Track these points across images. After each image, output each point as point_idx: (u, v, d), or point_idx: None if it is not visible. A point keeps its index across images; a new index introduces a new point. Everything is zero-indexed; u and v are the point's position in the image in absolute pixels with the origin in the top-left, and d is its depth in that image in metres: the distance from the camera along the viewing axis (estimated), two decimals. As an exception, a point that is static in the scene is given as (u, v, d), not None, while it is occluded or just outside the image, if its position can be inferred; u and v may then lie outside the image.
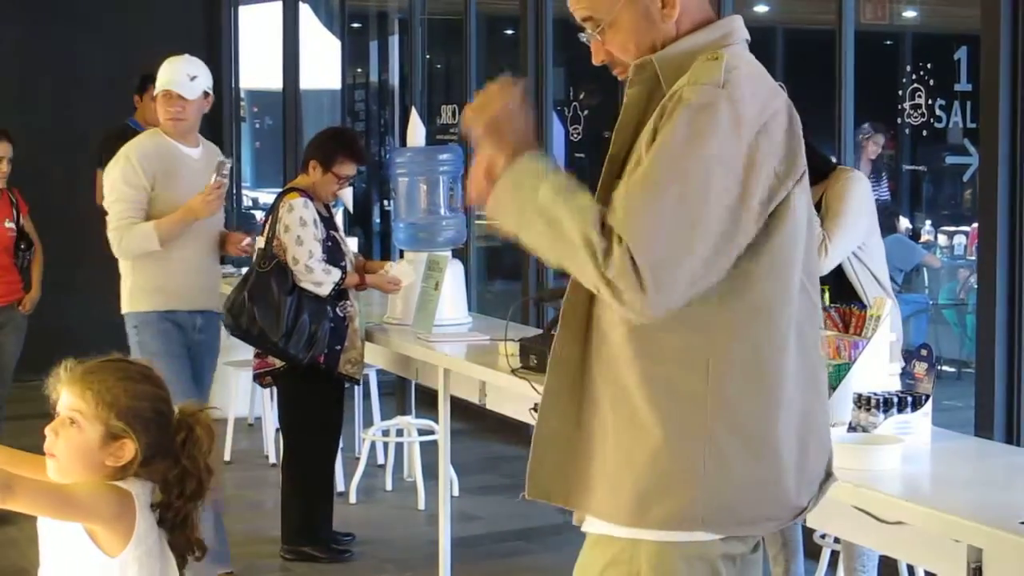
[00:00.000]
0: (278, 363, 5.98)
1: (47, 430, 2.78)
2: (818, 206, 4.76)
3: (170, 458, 2.81)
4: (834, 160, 5.24)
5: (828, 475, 2.60)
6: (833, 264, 4.67)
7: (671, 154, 2.33)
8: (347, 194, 6.40)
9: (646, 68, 2.51)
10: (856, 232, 4.71)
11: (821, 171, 4.78)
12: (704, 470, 2.40)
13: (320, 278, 5.83)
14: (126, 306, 5.63)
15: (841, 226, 4.66)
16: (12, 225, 6.94)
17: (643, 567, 2.43)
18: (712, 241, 2.33)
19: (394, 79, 11.23)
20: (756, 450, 2.43)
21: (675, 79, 2.45)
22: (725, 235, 2.34)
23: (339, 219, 6.87)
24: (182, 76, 5.62)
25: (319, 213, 5.94)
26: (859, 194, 4.73)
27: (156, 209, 5.53)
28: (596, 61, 2.60)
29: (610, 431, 2.46)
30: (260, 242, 5.92)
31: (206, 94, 5.68)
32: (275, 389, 6.42)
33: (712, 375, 2.40)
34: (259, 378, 6.19)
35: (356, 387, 7.35)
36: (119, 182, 5.53)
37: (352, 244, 6.96)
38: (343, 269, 5.95)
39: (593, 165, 7.30)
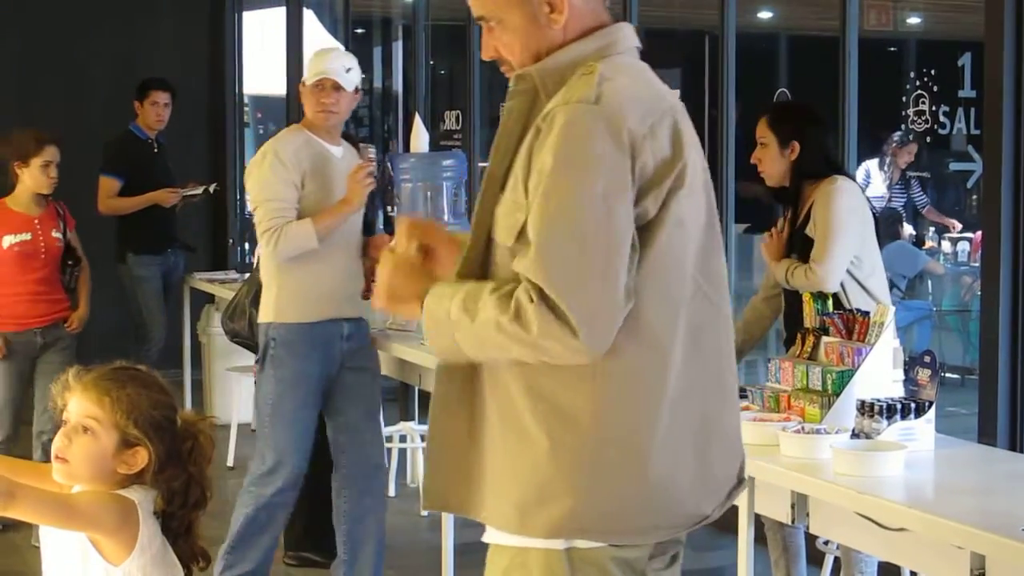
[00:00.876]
0: (280, 369, 5.96)
1: (59, 435, 2.79)
2: (808, 214, 4.74)
3: (178, 466, 2.81)
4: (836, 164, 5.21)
5: (739, 481, 2.59)
6: (832, 279, 4.57)
7: (560, 190, 2.33)
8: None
9: (526, 80, 2.48)
10: (846, 244, 4.63)
11: (816, 174, 4.76)
12: (582, 481, 2.40)
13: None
14: (270, 316, 5.20)
15: (828, 243, 4.60)
16: (59, 235, 6.64)
17: (534, 572, 2.44)
18: (623, 262, 2.34)
19: (398, 85, 11.24)
20: (636, 461, 2.42)
21: (555, 91, 2.43)
22: (631, 250, 2.36)
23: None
24: (338, 66, 5.20)
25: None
26: (843, 205, 4.65)
27: (301, 211, 5.14)
28: (485, 56, 2.59)
29: (497, 440, 2.47)
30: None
31: (357, 89, 5.30)
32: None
33: (591, 389, 2.40)
34: (262, 384, 6.17)
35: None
36: (270, 180, 5.11)
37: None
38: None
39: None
